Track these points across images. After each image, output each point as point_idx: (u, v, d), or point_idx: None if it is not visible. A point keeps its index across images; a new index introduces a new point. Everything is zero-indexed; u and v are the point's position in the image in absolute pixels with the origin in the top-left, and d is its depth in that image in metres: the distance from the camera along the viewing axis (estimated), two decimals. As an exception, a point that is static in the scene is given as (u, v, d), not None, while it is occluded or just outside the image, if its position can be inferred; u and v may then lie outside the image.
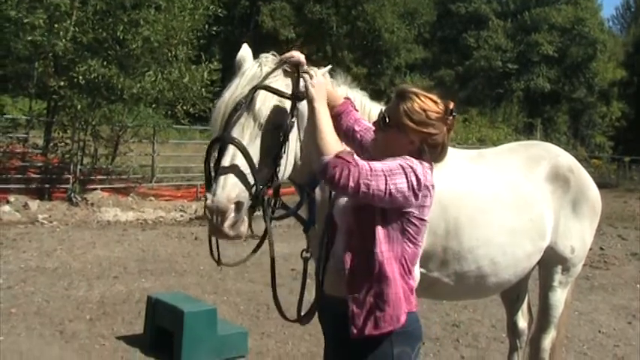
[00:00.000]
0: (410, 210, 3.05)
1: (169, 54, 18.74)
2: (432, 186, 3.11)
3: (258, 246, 3.52)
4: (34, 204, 15.95)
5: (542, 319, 5.28)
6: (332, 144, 3.07)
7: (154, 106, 19.36)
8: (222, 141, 3.26)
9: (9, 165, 18.60)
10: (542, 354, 5.31)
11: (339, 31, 39.67)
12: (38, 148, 19.50)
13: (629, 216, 21.71)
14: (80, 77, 16.34)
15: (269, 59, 3.54)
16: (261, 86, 3.33)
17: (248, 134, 3.27)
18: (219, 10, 20.63)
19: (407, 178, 2.98)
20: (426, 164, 3.12)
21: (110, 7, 17.48)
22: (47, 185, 17.70)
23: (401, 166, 3.01)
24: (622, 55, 54.92)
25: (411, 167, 3.01)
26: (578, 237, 5.07)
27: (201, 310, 6.71)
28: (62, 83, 16.99)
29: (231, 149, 3.22)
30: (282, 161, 3.34)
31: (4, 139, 19.23)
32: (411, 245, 3.10)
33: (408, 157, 3.07)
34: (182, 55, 19.00)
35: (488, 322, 8.49)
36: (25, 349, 6.83)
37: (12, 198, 16.12)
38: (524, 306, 5.65)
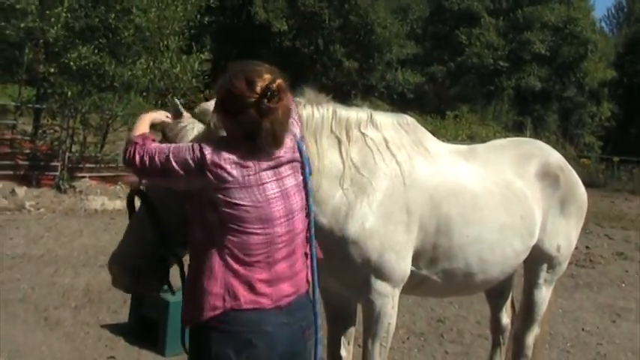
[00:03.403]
0: (214, 194, 2.88)
1: (161, 43, 18.67)
2: (237, 165, 2.89)
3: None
4: (21, 191, 15.87)
5: (526, 315, 5.31)
6: (134, 132, 3.17)
7: (144, 94, 19.29)
8: None
9: (-3, 151, 18.51)
10: (526, 350, 5.35)
11: (332, 24, 39.54)
12: (27, 135, 19.41)
13: (615, 215, 21.79)
14: (72, 64, 16.26)
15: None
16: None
17: (162, 196, 3.27)
18: (212, 1, 20.57)
19: (192, 153, 2.89)
20: (235, 148, 2.92)
21: (102, -5, 17.41)
22: (35, 172, 17.60)
23: (191, 145, 2.96)
24: (613, 55, 55.00)
25: (200, 145, 2.92)
26: (564, 236, 5.10)
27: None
28: (52, 70, 16.91)
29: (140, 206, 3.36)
30: None
31: (-7, 125, 19.16)
32: (235, 233, 2.90)
33: (210, 141, 3.00)
34: (173, 45, 18.93)
35: (473, 319, 8.52)
36: (9, 335, 6.80)
37: (-1, 184, 16.06)
38: (508, 303, 5.68)
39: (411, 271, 4.22)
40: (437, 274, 4.39)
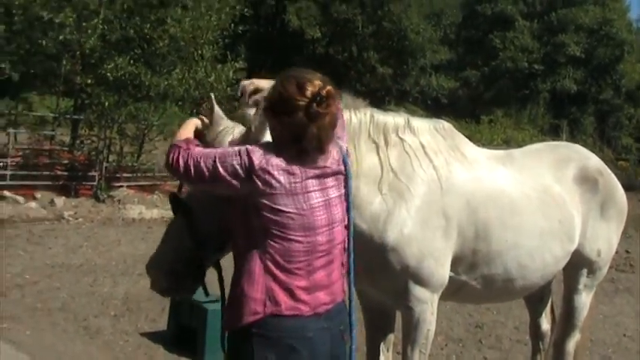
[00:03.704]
0: (259, 199, 2.87)
1: (195, 53, 18.82)
2: (285, 171, 2.90)
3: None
4: (60, 201, 16.09)
5: (567, 322, 5.24)
6: (177, 137, 3.16)
7: (179, 104, 19.45)
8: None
9: (36, 162, 18.78)
10: (567, 357, 5.27)
11: (365, 31, 39.61)
12: (65, 146, 19.69)
13: (655, 219, 21.46)
14: (108, 74, 16.46)
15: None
16: None
17: (199, 202, 3.27)
18: (246, 10, 20.74)
19: (240, 158, 2.87)
20: (282, 154, 2.92)
21: (137, 6, 17.61)
22: (73, 182, 17.83)
23: (238, 150, 2.93)
24: (650, 56, 54.34)
25: (248, 150, 2.91)
26: (604, 240, 5.03)
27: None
28: (89, 81, 17.13)
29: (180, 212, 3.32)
30: None
31: (32, 136, 19.40)
32: (277, 240, 2.90)
33: (257, 145, 2.98)
34: (208, 54, 19.08)
35: (511, 324, 8.45)
36: (50, 344, 6.88)
37: (39, 195, 16.28)
38: (548, 308, 5.61)
39: (450, 276, 4.19)
40: (476, 280, 4.36)
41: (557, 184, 4.78)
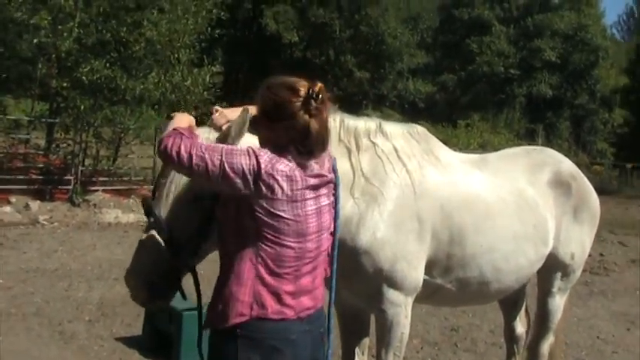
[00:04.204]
0: (258, 202, 2.85)
1: (172, 56, 18.76)
2: (287, 178, 2.89)
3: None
4: (35, 205, 15.95)
5: (541, 324, 5.29)
6: (174, 126, 3.01)
7: (156, 107, 19.38)
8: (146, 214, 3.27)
9: (11, 166, 18.62)
10: (541, 359, 5.32)
11: (342, 35, 39.70)
12: (40, 149, 19.55)
13: (629, 223, 21.69)
14: (84, 78, 16.36)
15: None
16: None
17: (168, 206, 3.23)
18: (222, 13, 20.68)
19: (248, 159, 2.84)
20: (285, 161, 2.91)
21: (113, 9, 17.53)
22: (48, 186, 17.69)
23: (246, 149, 2.90)
24: (624, 62, 54.88)
25: (255, 152, 2.87)
26: (578, 243, 5.08)
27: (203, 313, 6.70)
28: (65, 84, 17.03)
29: (151, 223, 3.22)
30: (210, 233, 3.23)
31: (6, 139, 19.25)
32: (270, 244, 2.89)
33: (260, 149, 2.93)
34: (185, 58, 19.02)
35: (486, 327, 8.49)
36: (24, 349, 6.83)
37: (13, 199, 16.12)
38: (522, 311, 5.65)
39: (425, 280, 4.21)
40: (451, 283, 4.38)
41: (531, 188, 4.82)
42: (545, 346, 5.31)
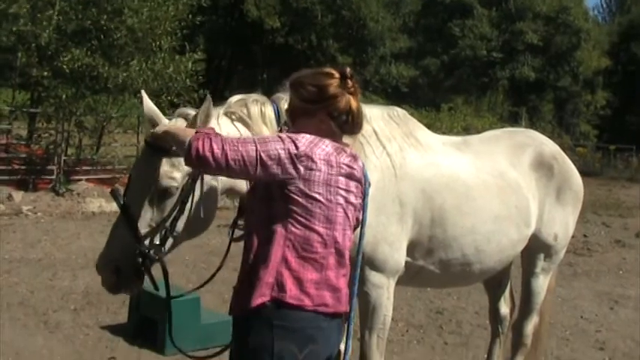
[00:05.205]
0: (292, 182, 2.88)
1: (153, 44, 18.63)
2: (325, 161, 2.94)
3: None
4: (18, 195, 15.86)
5: (525, 305, 5.33)
6: (188, 133, 2.99)
7: (138, 95, 19.25)
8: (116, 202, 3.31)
9: (-8, 156, 18.51)
10: (525, 339, 5.36)
11: (324, 20, 39.54)
12: (22, 140, 19.41)
13: (612, 204, 21.87)
14: (65, 67, 16.24)
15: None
16: (147, 140, 3.34)
17: (139, 197, 3.27)
18: (204, 0, 20.54)
19: (283, 144, 2.87)
20: (323, 145, 2.97)
21: (94, -4, 17.38)
22: (31, 176, 17.58)
23: (278, 136, 2.96)
24: (606, 44, 55.04)
25: (290, 137, 2.92)
26: (561, 224, 5.11)
27: (185, 299, 6.68)
28: (46, 73, 16.89)
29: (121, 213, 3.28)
30: (179, 223, 3.31)
31: (-12, 130, 19.13)
32: (299, 227, 2.91)
33: (297, 134, 2.99)
34: (166, 46, 18.88)
35: (471, 309, 8.55)
36: (9, 339, 6.81)
37: (-5, 189, 16.04)
38: (507, 293, 5.68)
39: (408, 262, 4.23)
40: (433, 265, 4.40)
41: (513, 170, 4.84)
42: (530, 327, 5.35)
